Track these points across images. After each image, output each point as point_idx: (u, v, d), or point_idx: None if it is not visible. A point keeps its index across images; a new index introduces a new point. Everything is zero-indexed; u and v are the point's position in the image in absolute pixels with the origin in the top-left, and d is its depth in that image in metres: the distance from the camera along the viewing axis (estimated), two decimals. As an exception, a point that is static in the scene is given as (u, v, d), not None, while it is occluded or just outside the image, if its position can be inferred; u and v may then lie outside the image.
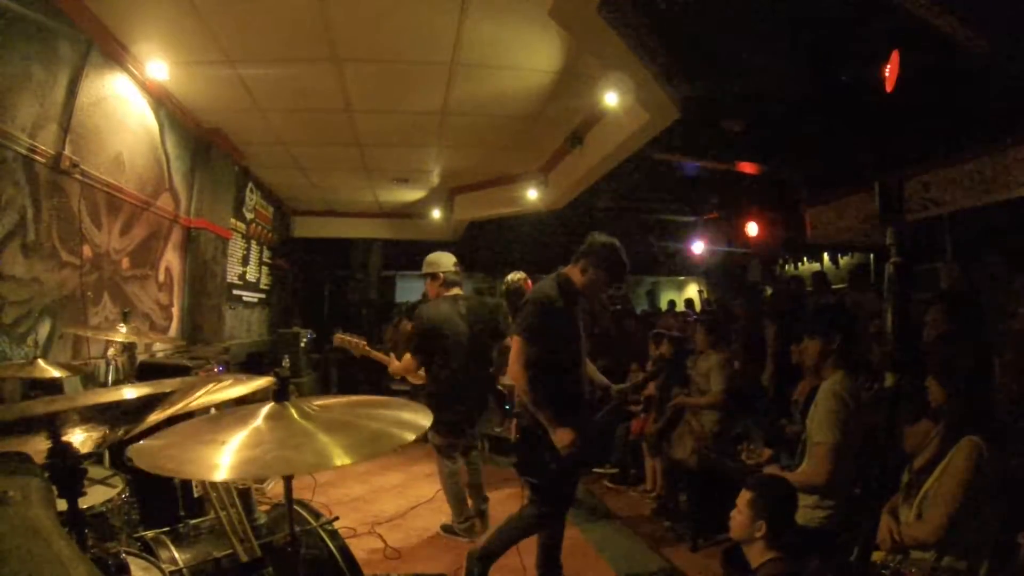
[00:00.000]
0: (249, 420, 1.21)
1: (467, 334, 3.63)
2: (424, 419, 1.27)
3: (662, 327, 5.61)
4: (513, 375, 2.66)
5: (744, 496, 2.00)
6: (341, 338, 3.80)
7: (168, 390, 1.01)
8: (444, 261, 3.74)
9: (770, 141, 4.81)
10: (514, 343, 2.67)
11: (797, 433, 2.92)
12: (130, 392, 1.07)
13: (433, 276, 3.73)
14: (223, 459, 1.08)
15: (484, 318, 3.78)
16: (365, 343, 3.79)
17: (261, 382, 1.49)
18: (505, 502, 4.54)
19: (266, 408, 1.24)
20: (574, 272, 2.76)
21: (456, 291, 3.76)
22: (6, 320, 2.88)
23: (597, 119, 4.91)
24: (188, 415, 1.31)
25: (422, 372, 3.72)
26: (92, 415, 0.90)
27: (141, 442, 1.18)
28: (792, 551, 1.93)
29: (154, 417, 1.15)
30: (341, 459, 1.08)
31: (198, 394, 1.23)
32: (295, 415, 1.22)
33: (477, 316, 3.72)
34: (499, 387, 5.29)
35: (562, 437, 2.54)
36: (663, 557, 3.51)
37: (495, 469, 5.47)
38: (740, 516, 1.98)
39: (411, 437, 1.20)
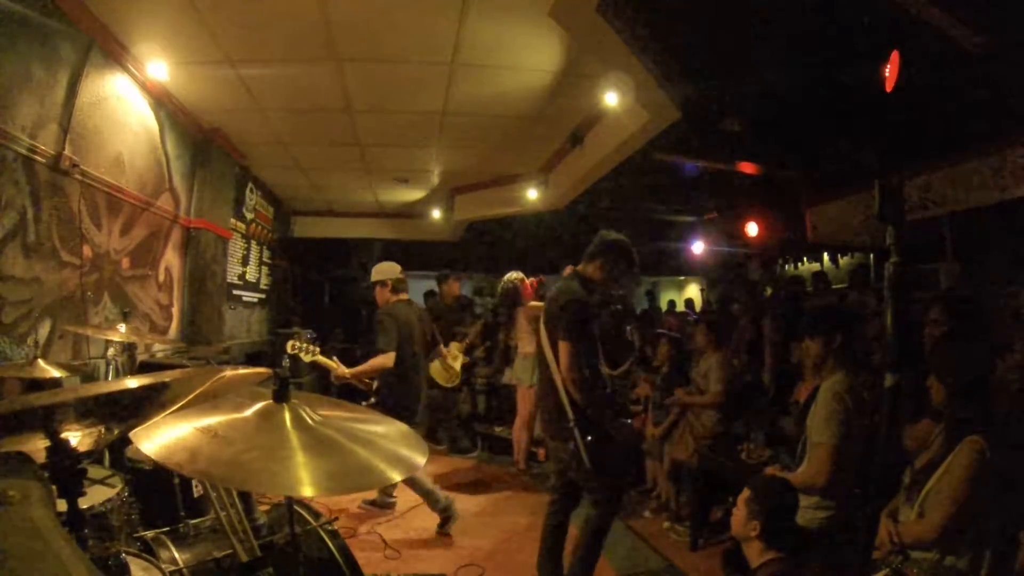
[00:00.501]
0: (245, 413, 1.19)
1: (420, 334, 4.03)
2: (420, 458, 1.21)
3: (661, 327, 5.62)
4: (574, 381, 2.64)
5: (743, 494, 2.00)
6: (293, 344, 3.93)
7: (166, 380, 0.99)
8: (392, 270, 4.06)
9: (770, 141, 4.81)
10: (565, 348, 2.66)
11: (797, 433, 2.92)
12: (131, 382, 1.05)
13: (382, 283, 3.99)
14: (212, 455, 1.05)
15: (426, 322, 4.19)
16: (318, 350, 3.92)
17: (258, 371, 1.47)
18: (504, 503, 4.55)
19: (262, 405, 1.22)
20: (591, 270, 2.83)
21: (403, 296, 4.05)
22: (6, 320, 2.88)
23: (597, 119, 4.91)
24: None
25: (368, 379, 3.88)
26: (91, 408, 0.89)
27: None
28: (791, 551, 1.93)
29: (154, 414, 1.14)
30: (316, 490, 1.05)
31: (199, 390, 1.21)
32: (288, 423, 1.17)
33: (422, 320, 4.12)
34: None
35: (622, 425, 2.71)
36: (663, 557, 3.51)
37: (495, 469, 5.48)
38: (739, 513, 1.99)
39: (397, 478, 1.14)
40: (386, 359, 3.71)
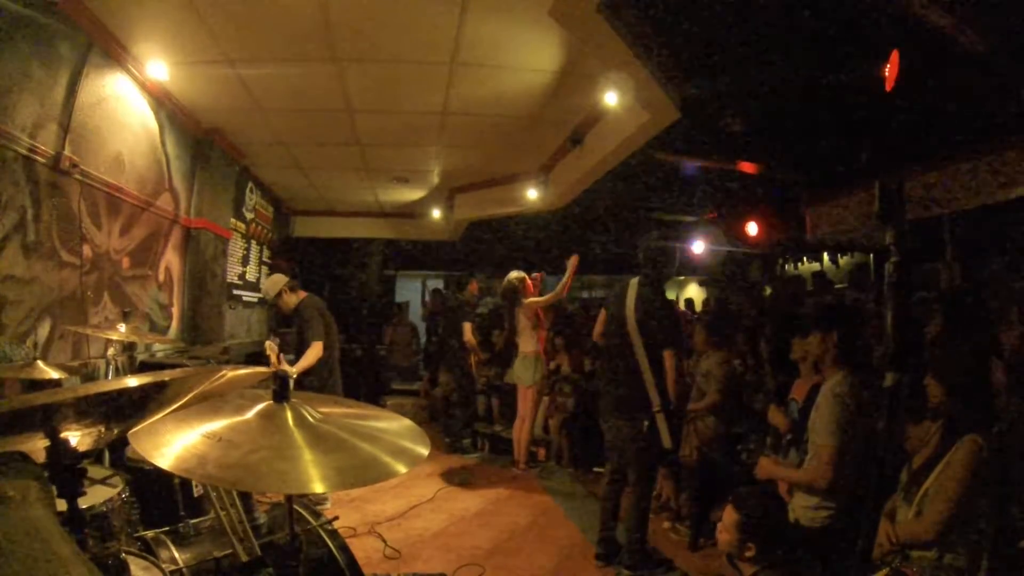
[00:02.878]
0: (247, 415, 1.19)
1: (333, 322, 4.46)
2: (423, 449, 1.23)
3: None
4: (678, 382, 3.20)
5: (731, 516, 1.97)
6: (269, 344, 4.16)
7: (166, 378, 0.99)
8: (279, 278, 4.43)
9: (770, 141, 4.81)
10: (670, 355, 3.15)
11: (789, 430, 2.94)
12: (131, 381, 1.05)
13: (281, 293, 4.32)
14: (220, 460, 1.05)
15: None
16: (276, 349, 4.16)
17: (259, 370, 1.47)
18: (504, 503, 4.55)
19: (263, 406, 1.22)
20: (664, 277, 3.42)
21: (302, 292, 4.39)
22: (6, 320, 2.88)
23: (597, 119, 4.91)
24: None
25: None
26: (91, 408, 0.89)
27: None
28: (784, 557, 1.93)
29: (153, 414, 1.14)
30: (327, 485, 1.06)
31: (199, 389, 1.21)
32: (291, 422, 1.18)
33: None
34: None
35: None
36: (664, 557, 3.51)
37: (495, 469, 5.48)
38: (728, 535, 1.97)
39: (403, 470, 1.15)
40: (318, 348, 4.03)
